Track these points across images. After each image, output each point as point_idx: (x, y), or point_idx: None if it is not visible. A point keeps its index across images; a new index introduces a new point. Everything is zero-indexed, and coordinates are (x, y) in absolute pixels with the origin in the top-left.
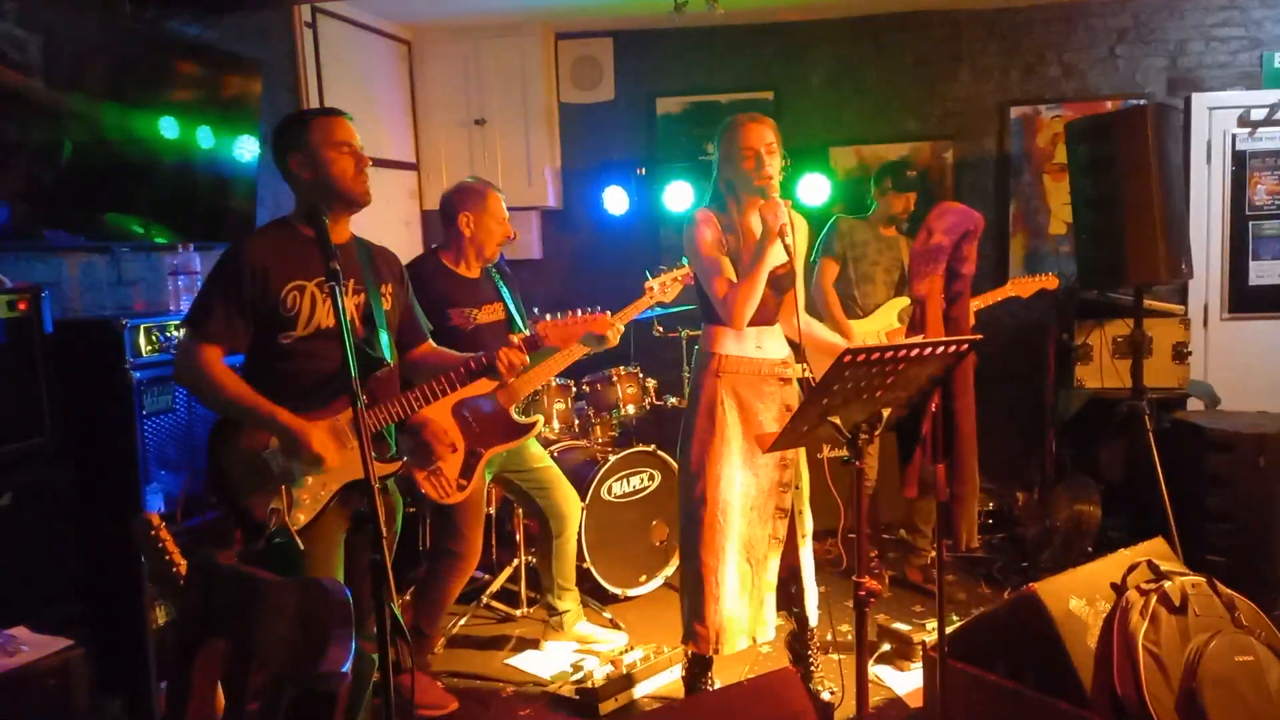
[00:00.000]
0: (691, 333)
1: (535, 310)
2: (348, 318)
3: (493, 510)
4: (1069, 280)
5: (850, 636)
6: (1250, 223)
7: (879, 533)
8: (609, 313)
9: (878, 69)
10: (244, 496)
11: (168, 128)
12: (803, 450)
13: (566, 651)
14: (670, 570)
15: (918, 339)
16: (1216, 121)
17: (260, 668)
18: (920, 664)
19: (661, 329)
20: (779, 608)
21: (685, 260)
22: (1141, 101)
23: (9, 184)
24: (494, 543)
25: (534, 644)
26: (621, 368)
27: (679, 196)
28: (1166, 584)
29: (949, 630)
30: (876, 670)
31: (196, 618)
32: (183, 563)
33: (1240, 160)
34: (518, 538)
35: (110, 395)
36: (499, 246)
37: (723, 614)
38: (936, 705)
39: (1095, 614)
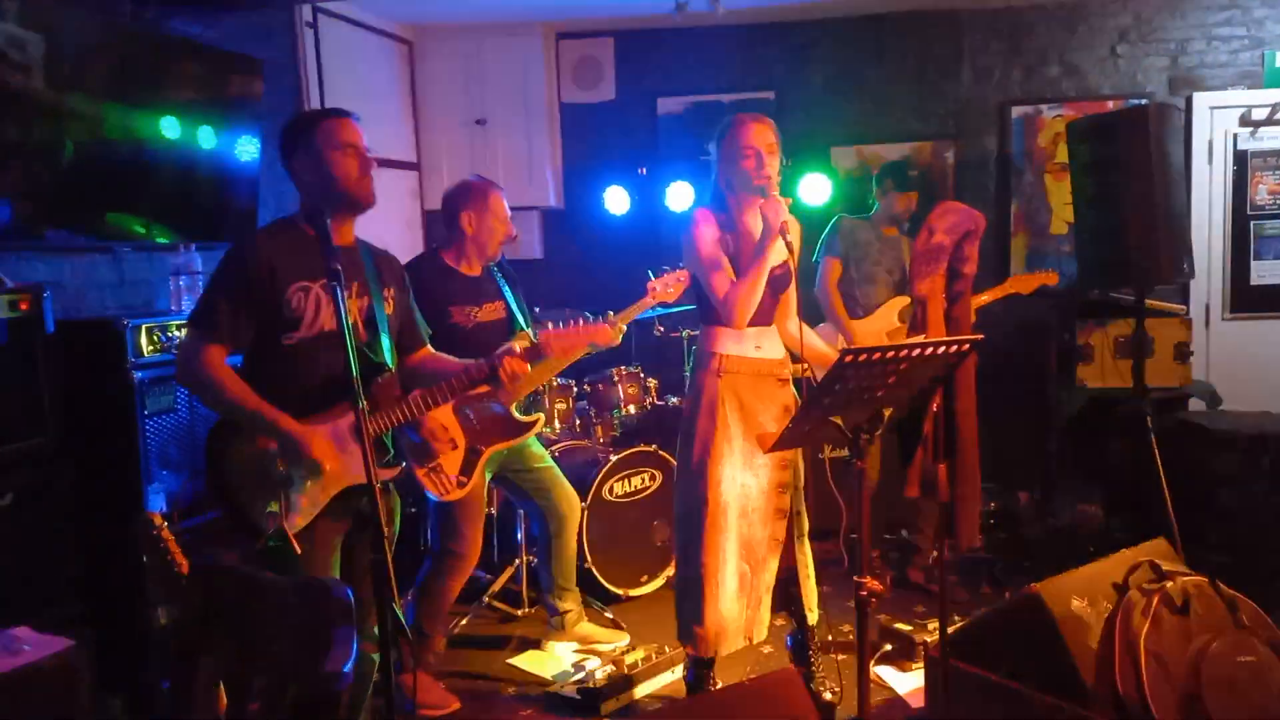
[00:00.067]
0: (693, 333)
1: (536, 310)
2: (350, 321)
3: (494, 510)
4: (1070, 280)
5: (851, 637)
6: (1252, 222)
7: (880, 533)
8: (611, 313)
9: (879, 69)
10: (242, 498)
11: (169, 127)
12: (800, 450)
13: (568, 651)
14: (672, 570)
15: (919, 339)
16: (1218, 121)
17: (262, 668)
18: (922, 664)
19: (662, 329)
20: (779, 608)
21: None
22: (1143, 101)
23: (10, 184)
24: (495, 543)
25: (536, 644)
26: (623, 367)
27: (680, 196)
28: (1168, 584)
29: (951, 630)
30: (878, 670)
31: (198, 618)
32: (184, 563)
33: (1242, 160)
34: (519, 537)
35: (111, 395)
36: (501, 245)
37: (721, 615)
38: (938, 705)
39: (1097, 614)
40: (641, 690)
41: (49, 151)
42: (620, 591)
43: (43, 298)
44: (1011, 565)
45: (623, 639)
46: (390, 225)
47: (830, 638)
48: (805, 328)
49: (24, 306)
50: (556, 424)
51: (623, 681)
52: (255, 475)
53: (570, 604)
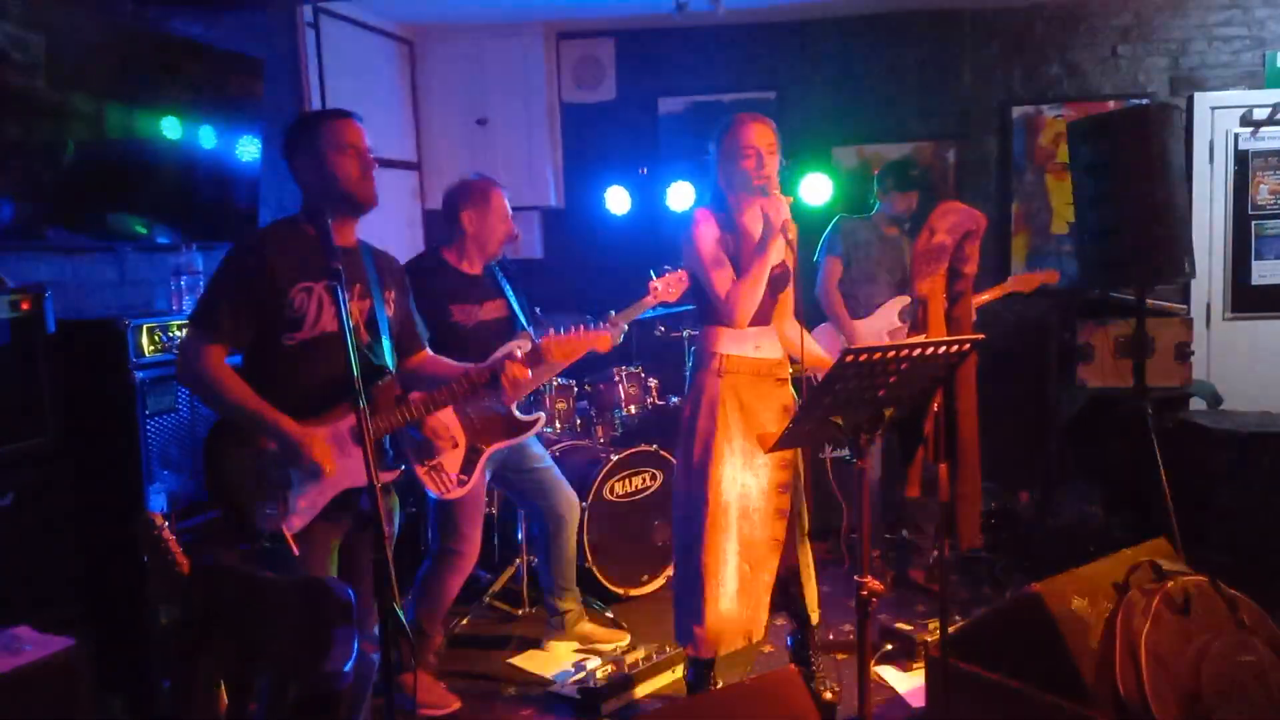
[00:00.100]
0: (694, 333)
1: (537, 310)
2: (352, 322)
3: (494, 510)
4: (1071, 280)
5: (852, 636)
6: (1253, 222)
7: (881, 532)
8: (612, 313)
9: (880, 68)
10: (240, 499)
11: (170, 127)
12: (800, 450)
13: (568, 651)
14: (672, 570)
15: (920, 339)
16: (1219, 121)
17: (262, 668)
18: (922, 664)
19: (663, 329)
20: (779, 608)
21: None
22: (1144, 101)
23: (11, 183)
24: (495, 542)
25: (536, 643)
26: (623, 367)
27: (681, 196)
28: (1169, 584)
29: (951, 630)
30: (878, 670)
31: (198, 618)
32: (185, 563)
33: (1243, 160)
34: (519, 537)
35: (112, 395)
36: (502, 244)
37: (721, 616)
38: (939, 705)
39: (1098, 614)
40: (642, 690)
41: (50, 151)
42: (621, 591)
43: (44, 298)
44: (1012, 565)
45: (623, 639)
46: (390, 225)
47: (830, 637)
48: (803, 329)
49: (25, 306)
50: (557, 424)
51: (623, 681)
52: (254, 476)
53: (570, 604)
